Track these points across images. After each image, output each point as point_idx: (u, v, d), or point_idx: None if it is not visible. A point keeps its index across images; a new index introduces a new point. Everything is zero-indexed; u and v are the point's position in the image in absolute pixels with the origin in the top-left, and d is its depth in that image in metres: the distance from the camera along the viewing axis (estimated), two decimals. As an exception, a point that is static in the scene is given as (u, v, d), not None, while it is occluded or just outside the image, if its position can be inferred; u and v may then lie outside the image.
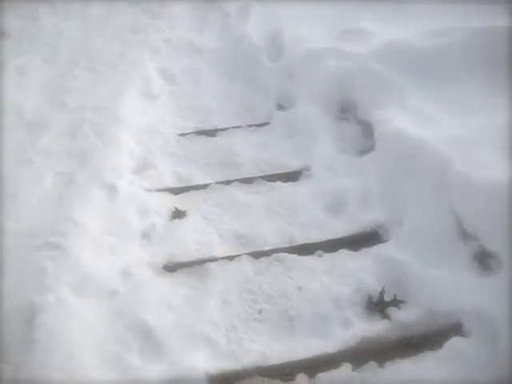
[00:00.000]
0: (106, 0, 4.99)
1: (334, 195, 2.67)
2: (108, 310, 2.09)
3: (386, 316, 2.06)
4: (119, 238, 2.41)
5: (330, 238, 2.44)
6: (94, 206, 2.53)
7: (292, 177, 2.88)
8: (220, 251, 2.41)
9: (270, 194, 2.77)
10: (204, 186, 2.83)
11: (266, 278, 2.26)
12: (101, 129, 3.16)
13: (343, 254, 2.35)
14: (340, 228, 2.49)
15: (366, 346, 1.97)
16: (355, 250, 2.37)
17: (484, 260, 2.09)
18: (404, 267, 2.20)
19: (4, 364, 1.86)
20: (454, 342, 1.91)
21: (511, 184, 1.99)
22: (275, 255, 2.35)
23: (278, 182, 2.84)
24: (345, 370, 1.88)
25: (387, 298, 2.11)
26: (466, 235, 2.17)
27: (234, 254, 2.37)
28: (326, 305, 2.11)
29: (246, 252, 2.38)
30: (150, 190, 2.78)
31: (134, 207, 2.60)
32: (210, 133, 3.36)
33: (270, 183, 2.84)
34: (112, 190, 2.66)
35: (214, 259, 2.35)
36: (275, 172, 2.92)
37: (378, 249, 2.35)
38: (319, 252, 2.36)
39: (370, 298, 2.12)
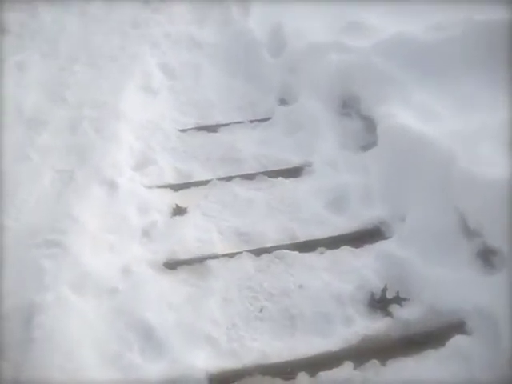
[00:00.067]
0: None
1: (335, 191, 2.65)
2: (108, 308, 2.08)
3: (388, 314, 2.04)
4: (119, 236, 2.40)
5: (331, 234, 2.42)
6: (94, 204, 2.51)
7: (293, 173, 2.86)
8: (221, 248, 2.39)
9: (272, 190, 2.75)
10: (205, 183, 2.81)
11: (267, 275, 2.25)
12: (100, 124, 3.14)
13: (345, 251, 2.33)
14: (342, 224, 2.46)
15: (367, 344, 1.95)
16: (357, 247, 2.35)
17: (487, 257, 2.07)
18: (406, 264, 2.18)
19: (4, 363, 1.84)
20: (457, 341, 1.90)
21: (514, 180, 1.97)
22: (276, 252, 2.33)
23: (280, 178, 2.82)
24: (346, 369, 1.87)
25: (389, 295, 2.10)
26: (469, 232, 2.14)
27: (234, 251, 2.36)
28: (327, 302, 2.09)
29: (247, 249, 2.36)
30: (150, 187, 2.76)
31: (134, 204, 2.59)
32: (211, 128, 3.33)
33: (271, 179, 2.82)
34: (112, 186, 2.64)
35: (215, 256, 2.33)
36: (277, 168, 2.90)
37: (381, 246, 2.33)
38: (321, 249, 2.34)
39: (372, 295, 2.11)
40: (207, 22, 4.63)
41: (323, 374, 1.86)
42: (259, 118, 3.39)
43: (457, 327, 1.95)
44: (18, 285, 2.09)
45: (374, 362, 1.88)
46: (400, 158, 2.54)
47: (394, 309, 2.05)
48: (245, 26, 4.20)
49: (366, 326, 2.00)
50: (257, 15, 4.27)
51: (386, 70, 2.91)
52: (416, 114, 2.60)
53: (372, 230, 2.42)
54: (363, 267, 2.22)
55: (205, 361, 1.91)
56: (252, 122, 3.35)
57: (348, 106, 3.08)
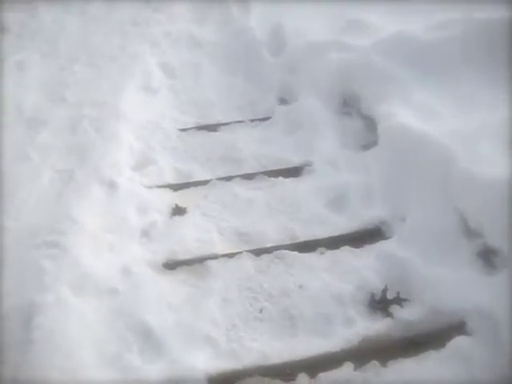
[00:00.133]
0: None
1: (336, 191, 2.64)
2: (107, 308, 2.07)
3: (388, 314, 2.03)
4: (119, 236, 2.39)
5: (331, 234, 2.41)
6: (94, 204, 2.51)
7: (294, 172, 2.85)
8: (220, 248, 2.38)
9: (272, 190, 2.74)
10: (205, 182, 2.81)
11: (267, 275, 2.24)
12: (100, 124, 3.14)
13: (345, 251, 2.32)
14: (342, 224, 2.46)
15: (368, 344, 1.94)
16: (357, 247, 2.34)
17: (488, 257, 2.06)
18: (407, 264, 2.17)
19: (3, 364, 1.84)
20: (458, 341, 1.89)
21: (515, 180, 1.96)
22: (276, 252, 2.32)
23: (280, 178, 2.81)
24: (346, 370, 1.86)
25: (390, 295, 2.08)
26: (469, 232, 2.13)
27: (234, 251, 2.35)
28: (327, 303, 2.09)
29: (247, 249, 2.35)
30: (150, 187, 2.76)
31: (133, 204, 2.58)
32: (211, 128, 3.33)
33: (271, 179, 2.81)
34: (111, 186, 2.63)
35: (215, 257, 2.33)
36: (277, 167, 2.89)
37: (381, 246, 2.32)
38: (321, 249, 2.34)
39: (372, 295, 2.10)
40: (207, 21, 4.64)
41: (323, 375, 1.85)
42: (259, 117, 3.39)
43: (457, 328, 1.94)
44: (18, 285, 2.09)
45: (375, 362, 1.87)
46: (400, 158, 2.53)
47: (395, 309, 2.04)
48: (245, 25, 4.20)
49: (367, 327, 1.99)
50: (257, 14, 4.27)
51: (386, 69, 2.90)
52: (416, 113, 2.59)
53: (372, 230, 2.41)
54: (363, 267, 2.21)
55: (204, 362, 1.90)
56: (252, 121, 3.35)
57: (348, 105, 3.07)
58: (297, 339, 1.98)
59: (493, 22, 2.83)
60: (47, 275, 2.10)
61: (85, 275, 2.16)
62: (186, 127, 3.34)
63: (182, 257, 2.34)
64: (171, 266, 2.30)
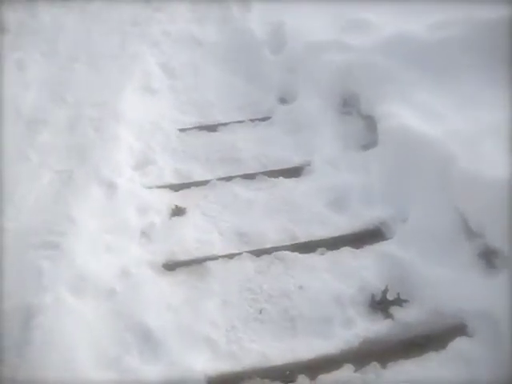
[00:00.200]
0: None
1: (336, 191, 2.63)
2: (106, 310, 2.07)
3: (388, 315, 2.02)
4: (118, 237, 2.38)
5: (331, 235, 2.40)
6: (93, 204, 2.50)
7: (294, 172, 2.84)
8: (220, 249, 2.37)
9: (272, 190, 2.73)
10: (205, 183, 2.80)
11: (267, 276, 2.23)
12: (100, 124, 3.13)
13: (345, 252, 2.31)
14: (342, 225, 2.45)
15: (368, 346, 1.93)
16: (358, 248, 2.32)
17: (489, 258, 2.04)
18: (407, 265, 2.16)
19: (2, 365, 1.83)
20: (458, 343, 1.88)
21: (516, 181, 1.95)
22: (276, 253, 2.31)
23: (280, 178, 2.80)
24: (346, 372, 1.84)
25: (390, 296, 2.07)
26: (470, 233, 2.12)
27: (234, 252, 2.34)
28: (327, 304, 2.07)
29: (247, 250, 2.34)
30: (149, 187, 2.75)
31: (133, 205, 2.57)
32: (211, 128, 3.32)
33: (271, 179, 2.80)
34: (111, 187, 2.63)
35: (215, 257, 2.32)
36: (277, 168, 2.89)
37: (381, 246, 2.31)
38: (321, 250, 2.33)
39: (372, 296, 2.08)
40: (207, 21, 4.63)
41: (323, 377, 1.84)
42: (259, 117, 3.38)
43: (458, 329, 1.93)
44: (17, 286, 2.08)
45: (375, 364, 1.85)
46: (401, 158, 2.52)
47: (395, 310, 2.03)
48: (245, 25, 4.20)
49: (367, 328, 1.98)
50: (257, 14, 4.26)
51: (386, 68, 2.89)
52: (417, 113, 2.58)
53: (373, 231, 2.40)
54: (364, 268, 2.20)
55: (204, 363, 1.89)
56: (252, 121, 3.34)
57: (348, 105, 3.06)
58: (297, 340, 1.97)
59: (493, 21, 2.83)
60: (46, 276, 2.10)
61: (84, 276, 2.15)
62: (186, 127, 3.33)
63: (181, 257, 2.33)
64: (171, 266, 2.30)
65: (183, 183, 2.81)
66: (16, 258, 2.19)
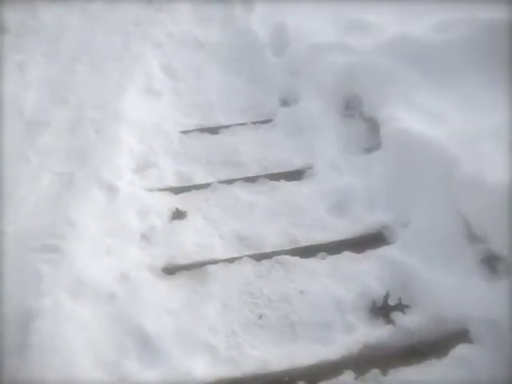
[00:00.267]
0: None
1: (337, 195, 2.61)
2: (106, 314, 2.05)
3: (390, 321, 2.00)
4: (118, 240, 2.37)
5: (333, 239, 2.38)
6: (93, 207, 2.48)
7: (296, 176, 2.83)
8: (221, 253, 2.36)
9: (273, 193, 2.71)
10: (206, 186, 2.78)
11: (268, 281, 2.21)
12: (101, 126, 3.12)
13: (347, 257, 2.29)
14: (344, 229, 2.43)
15: (369, 352, 1.91)
16: (359, 253, 2.31)
17: (492, 264, 2.02)
18: (409, 270, 2.14)
19: (2, 368, 1.82)
20: (461, 350, 1.86)
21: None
22: (277, 257, 2.30)
23: (282, 181, 2.79)
24: (347, 378, 1.83)
25: (392, 302, 2.05)
26: (473, 238, 2.10)
27: (235, 256, 2.33)
28: (328, 309, 2.06)
29: (248, 254, 2.33)
30: (150, 190, 2.73)
31: (133, 208, 2.56)
32: (213, 130, 3.30)
33: (273, 182, 2.79)
34: (111, 190, 2.61)
35: (215, 261, 2.30)
36: (279, 171, 2.87)
37: (383, 251, 2.29)
38: (322, 254, 2.31)
39: (373, 302, 2.06)
40: (210, 22, 4.61)
41: (323, 384, 1.82)
42: (261, 119, 3.36)
43: (460, 335, 1.91)
44: (16, 289, 2.07)
45: (376, 371, 1.83)
46: (403, 161, 2.50)
47: (396, 316, 2.01)
48: (248, 26, 4.18)
49: (368, 334, 1.96)
50: (260, 15, 4.24)
51: (388, 70, 2.87)
52: (419, 115, 2.57)
53: (375, 235, 2.39)
54: (365, 273, 2.18)
55: (203, 368, 1.88)
56: (254, 123, 3.32)
57: (351, 108, 3.05)
58: (297, 346, 1.95)
59: (495, 22, 2.80)
60: (45, 280, 2.09)
61: (83, 280, 2.14)
62: (188, 129, 3.31)
63: (181, 261, 2.32)
64: (171, 270, 2.28)
65: (184, 186, 2.80)
66: (16, 262, 2.17)
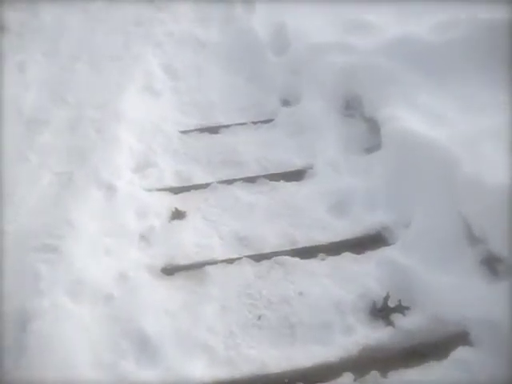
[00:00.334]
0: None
1: (338, 195, 2.60)
2: (104, 314, 2.05)
3: (390, 323, 1.99)
4: (117, 240, 2.36)
5: (333, 240, 2.37)
6: (92, 207, 2.48)
7: (296, 176, 2.81)
8: (220, 253, 2.35)
9: (273, 193, 2.70)
10: (205, 186, 2.77)
11: (267, 282, 2.20)
12: (101, 125, 3.11)
13: (346, 258, 2.28)
14: (344, 230, 2.42)
15: (368, 354, 1.90)
16: (359, 254, 2.30)
17: (492, 265, 2.01)
18: (409, 272, 2.13)
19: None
20: (461, 352, 1.85)
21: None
22: (276, 258, 2.29)
23: (282, 182, 2.78)
24: (346, 380, 1.82)
25: (391, 303, 2.04)
26: (473, 239, 2.09)
27: (234, 256, 2.32)
28: (327, 311, 2.05)
29: (247, 255, 2.32)
30: (149, 190, 2.72)
31: (132, 208, 2.55)
32: (213, 130, 3.29)
33: (273, 182, 2.77)
34: (111, 189, 2.60)
35: (214, 262, 2.29)
36: (279, 171, 2.86)
37: (383, 252, 2.28)
38: (322, 255, 2.30)
39: (373, 303, 2.05)
40: (211, 22, 4.60)
41: (322, 386, 1.81)
42: (262, 119, 3.35)
43: (460, 337, 1.90)
44: (15, 289, 2.07)
45: (375, 373, 1.82)
46: (404, 162, 2.50)
47: (396, 318, 2.00)
48: (248, 26, 4.17)
49: (367, 336, 1.95)
50: (260, 15, 4.23)
51: (389, 70, 2.87)
52: (420, 116, 2.56)
53: (375, 236, 2.38)
54: (365, 274, 2.17)
55: (201, 370, 1.87)
56: (254, 123, 3.31)
57: (351, 108, 3.04)
58: (295, 347, 1.94)
59: (496, 22, 2.80)
60: (44, 280, 2.08)
61: (82, 280, 2.13)
62: (188, 129, 3.30)
63: (180, 262, 2.31)
64: (169, 271, 2.27)
65: (184, 186, 2.79)
66: (15, 261, 2.17)
